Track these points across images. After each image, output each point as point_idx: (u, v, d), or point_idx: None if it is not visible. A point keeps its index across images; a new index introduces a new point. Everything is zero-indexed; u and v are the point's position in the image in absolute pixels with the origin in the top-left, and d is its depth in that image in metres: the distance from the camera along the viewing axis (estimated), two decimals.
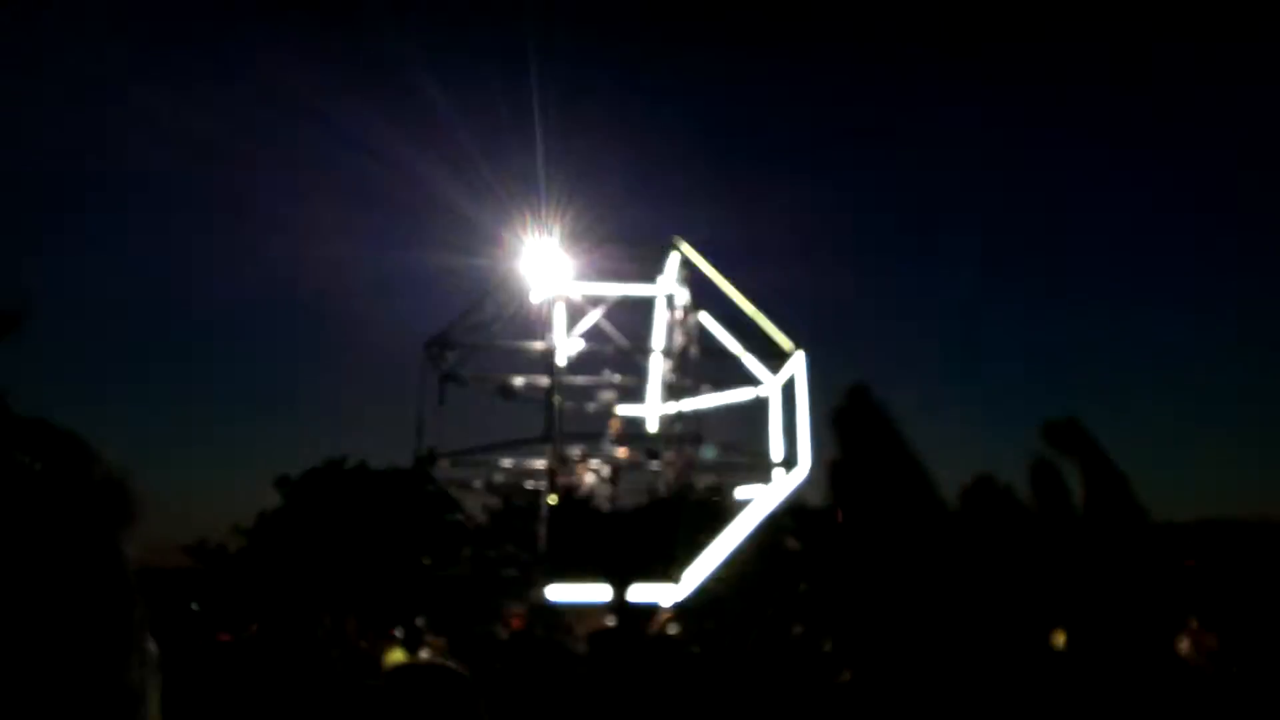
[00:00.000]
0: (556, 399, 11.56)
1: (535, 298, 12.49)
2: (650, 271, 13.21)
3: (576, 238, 12.63)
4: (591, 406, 13.07)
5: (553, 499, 11.48)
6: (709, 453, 11.98)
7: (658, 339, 12.98)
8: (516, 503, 13.33)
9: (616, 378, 13.14)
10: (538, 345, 12.10)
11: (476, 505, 13.70)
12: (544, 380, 11.87)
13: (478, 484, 12.21)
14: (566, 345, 12.13)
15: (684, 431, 11.90)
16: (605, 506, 11.81)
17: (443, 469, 11.74)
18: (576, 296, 12.82)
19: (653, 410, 13.17)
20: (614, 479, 12.42)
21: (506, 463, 12.39)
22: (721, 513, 12.86)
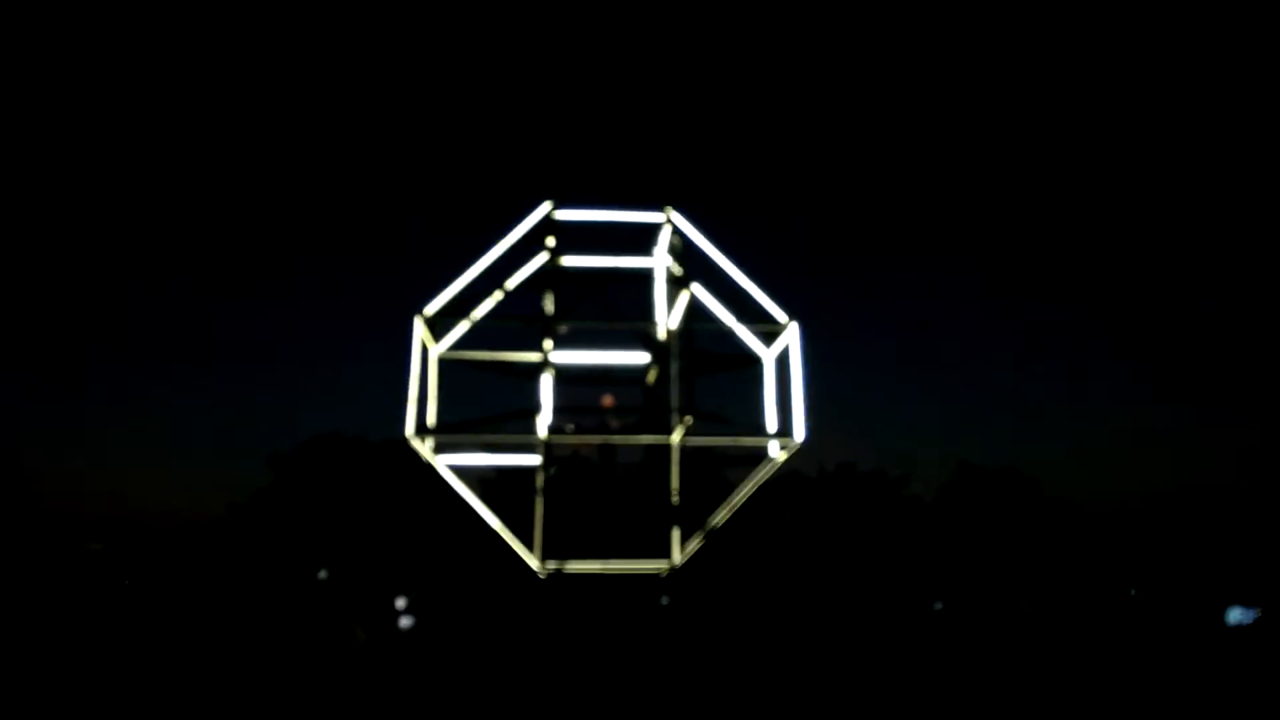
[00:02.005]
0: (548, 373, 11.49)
1: (528, 269, 12.39)
2: (647, 243, 13.11)
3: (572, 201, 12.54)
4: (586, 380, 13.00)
5: (546, 473, 11.46)
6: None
7: (659, 312, 12.86)
8: (508, 474, 13.30)
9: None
10: (531, 319, 12.01)
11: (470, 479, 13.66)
12: (535, 356, 11.79)
13: (472, 458, 12.15)
14: (559, 319, 12.03)
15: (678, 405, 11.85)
16: (599, 481, 11.79)
17: (438, 442, 11.68)
18: (570, 268, 12.74)
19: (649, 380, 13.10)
20: (609, 454, 12.39)
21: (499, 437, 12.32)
22: (716, 486, 12.85)
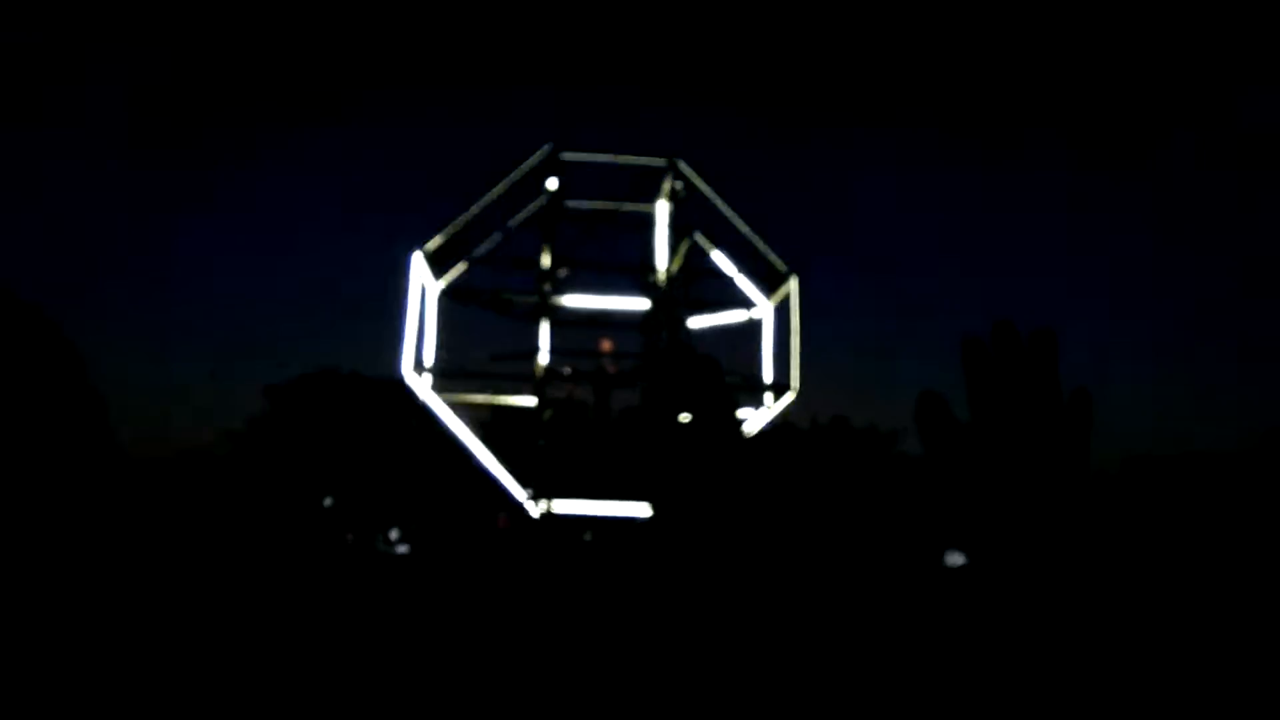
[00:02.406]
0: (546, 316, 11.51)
1: (529, 210, 12.30)
2: (650, 190, 12.98)
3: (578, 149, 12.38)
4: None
5: (543, 415, 11.55)
6: None
7: (660, 258, 12.78)
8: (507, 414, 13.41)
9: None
10: (533, 261, 11.96)
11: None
12: (534, 298, 11.78)
13: (473, 397, 12.22)
14: (561, 262, 11.99)
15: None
16: (595, 423, 11.89)
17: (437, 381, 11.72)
18: (572, 209, 12.64)
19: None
20: (604, 396, 12.47)
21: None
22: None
